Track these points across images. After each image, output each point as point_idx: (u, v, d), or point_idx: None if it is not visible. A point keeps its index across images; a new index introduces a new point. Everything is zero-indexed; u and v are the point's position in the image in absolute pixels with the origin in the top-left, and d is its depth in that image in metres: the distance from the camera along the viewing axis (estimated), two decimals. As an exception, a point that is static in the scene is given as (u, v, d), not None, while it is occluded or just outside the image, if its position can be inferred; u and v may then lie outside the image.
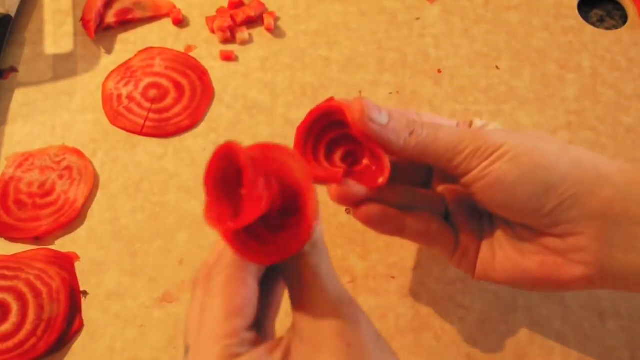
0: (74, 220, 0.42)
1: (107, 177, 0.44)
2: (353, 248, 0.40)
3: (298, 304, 0.25)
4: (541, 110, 0.46)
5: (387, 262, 0.40)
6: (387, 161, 0.31)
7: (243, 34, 0.50)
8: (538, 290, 0.33)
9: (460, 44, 0.50)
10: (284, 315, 0.28)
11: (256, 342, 0.25)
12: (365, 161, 0.33)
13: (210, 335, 0.24)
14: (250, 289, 0.25)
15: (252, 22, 0.51)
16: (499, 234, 0.32)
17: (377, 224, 0.32)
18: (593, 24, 0.52)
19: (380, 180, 0.31)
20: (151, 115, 0.46)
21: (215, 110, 0.47)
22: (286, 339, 0.25)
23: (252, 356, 0.24)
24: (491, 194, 0.30)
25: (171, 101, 0.47)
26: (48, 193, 0.42)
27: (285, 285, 0.27)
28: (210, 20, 0.51)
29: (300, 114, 0.46)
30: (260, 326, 0.27)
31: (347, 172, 0.32)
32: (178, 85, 0.48)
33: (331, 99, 0.35)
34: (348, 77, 0.48)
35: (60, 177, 0.43)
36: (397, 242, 0.40)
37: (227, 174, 0.26)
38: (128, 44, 0.50)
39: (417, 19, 0.52)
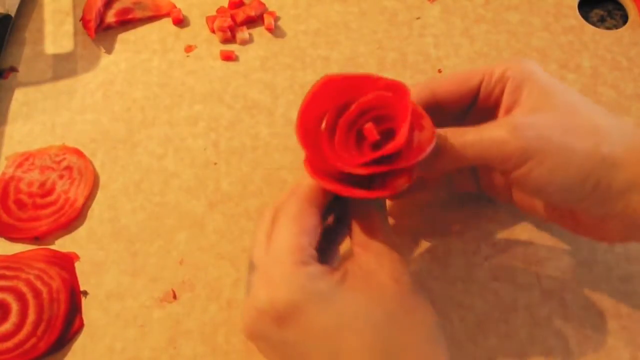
0: (74, 220, 0.42)
1: (107, 177, 0.44)
2: (353, 248, 0.40)
3: (361, 242, 0.31)
4: (541, 110, 0.46)
5: (387, 262, 0.40)
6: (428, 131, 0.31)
7: (243, 33, 0.50)
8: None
9: (461, 44, 0.50)
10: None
11: (318, 261, 0.30)
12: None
13: (282, 249, 0.30)
14: (317, 219, 0.31)
15: (253, 21, 0.51)
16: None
17: None
18: (593, 24, 0.51)
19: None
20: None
21: (216, 110, 0.47)
22: (344, 266, 0.30)
23: (318, 268, 0.29)
24: (528, 190, 0.33)
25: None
26: (48, 193, 0.42)
27: (351, 224, 0.32)
28: (210, 20, 0.51)
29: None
30: (323, 257, 0.32)
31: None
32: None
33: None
34: (348, 76, 0.48)
35: (61, 177, 0.43)
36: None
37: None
38: (128, 44, 0.50)
39: (418, 18, 0.52)
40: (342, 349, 0.28)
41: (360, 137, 0.32)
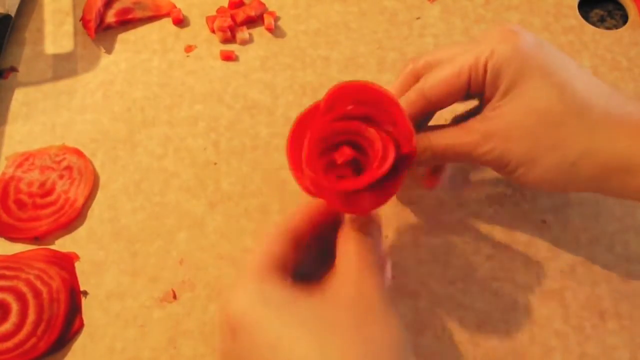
0: (74, 220, 0.42)
1: (107, 177, 0.44)
2: (353, 248, 0.40)
3: (339, 257, 0.30)
4: (541, 110, 0.46)
5: (387, 262, 0.40)
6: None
7: (243, 33, 0.50)
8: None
9: (461, 44, 0.50)
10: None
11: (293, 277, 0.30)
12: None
13: (251, 259, 0.30)
14: (299, 232, 0.31)
15: (253, 21, 0.51)
16: None
17: None
18: (593, 24, 0.51)
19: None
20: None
21: (216, 110, 0.47)
22: (311, 283, 0.30)
23: (278, 282, 0.29)
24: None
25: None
26: (48, 193, 0.42)
27: (339, 243, 0.31)
28: (210, 20, 0.51)
29: (300, 114, 0.46)
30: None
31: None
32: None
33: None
34: (348, 77, 0.48)
35: (61, 177, 0.43)
36: (397, 242, 0.40)
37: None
38: (128, 44, 0.50)
39: (418, 18, 0.52)
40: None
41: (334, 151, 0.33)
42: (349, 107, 0.33)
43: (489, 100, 0.35)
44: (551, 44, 0.35)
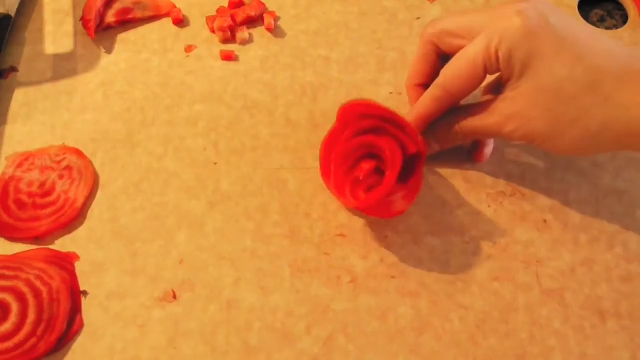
0: (74, 220, 0.42)
1: (107, 177, 0.44)
2: (353, 248, 0.40)
3: None
4: (541, 110, 0.46)
5: (387, 262, 0.40)
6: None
7: (243, 33, 0.50)
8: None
9: (461, 44, 0.50)
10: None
11: None
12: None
13: None
14: None
15: (253, 21, 0.51)
16: None
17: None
18: (593, 24, 0.51)
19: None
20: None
21: (216, 110, 0.47)
22: None
23: None
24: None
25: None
26: (48, 193, 0.42)
27: None
28: (210, 19, 0.51)
29: (300, 114, 0.46)
30: None
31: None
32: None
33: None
34: (348, 77, 0.48)
35: (61, 177, 0.43)
36: (397, 242, 0.40)
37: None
38: (128, 44, 0.50)
39: (418, 18, 0.52)
40: None
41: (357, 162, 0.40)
42: (361, 123, 0.38)
43: (507, 80, 0.36)
44: (560, 14, 0.36)
